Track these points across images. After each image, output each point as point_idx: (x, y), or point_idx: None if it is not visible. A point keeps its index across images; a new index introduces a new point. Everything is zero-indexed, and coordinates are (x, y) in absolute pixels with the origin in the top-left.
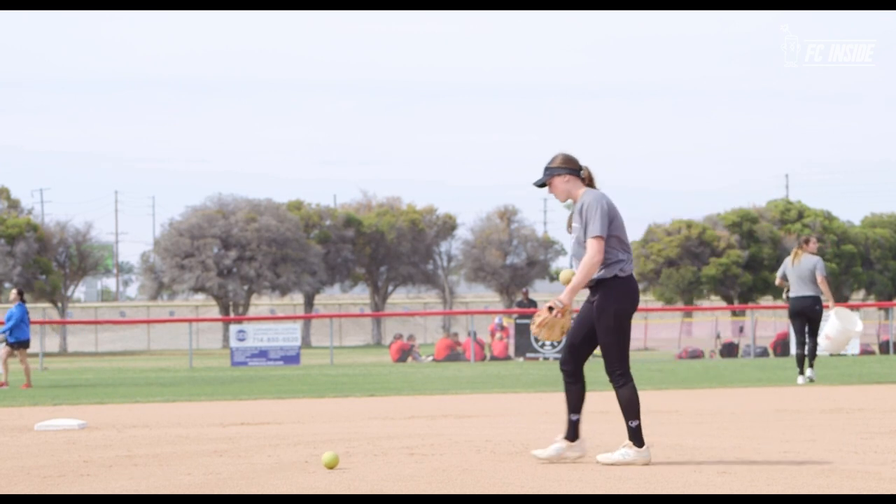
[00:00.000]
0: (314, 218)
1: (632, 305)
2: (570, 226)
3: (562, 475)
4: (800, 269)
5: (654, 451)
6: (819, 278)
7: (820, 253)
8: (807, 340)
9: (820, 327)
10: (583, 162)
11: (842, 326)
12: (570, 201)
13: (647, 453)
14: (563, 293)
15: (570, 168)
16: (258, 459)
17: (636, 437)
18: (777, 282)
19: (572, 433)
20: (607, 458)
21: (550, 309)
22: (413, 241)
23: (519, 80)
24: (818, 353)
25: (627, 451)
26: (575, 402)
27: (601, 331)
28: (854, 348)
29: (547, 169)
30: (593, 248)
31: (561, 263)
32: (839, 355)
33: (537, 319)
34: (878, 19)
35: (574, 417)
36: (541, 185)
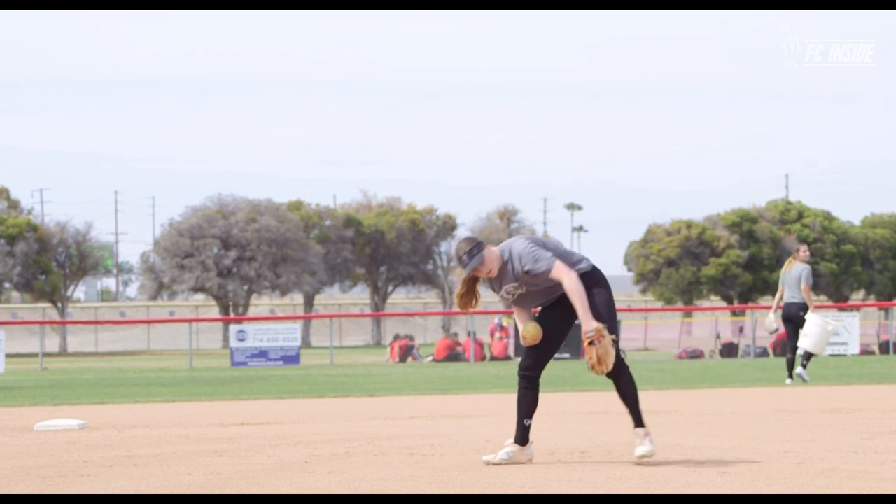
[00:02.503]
0: (314, 218)
1: (610, 289)
2: (503, 291)
3: (562, 475)
4: (789, 277)
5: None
6: (802, 286)
7: (819, 253)
8: (797, 345)
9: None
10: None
11: (819, 320)
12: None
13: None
14: (584, 320)
15: (482, 242)
16: (258, 459)
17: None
18: (780, 288)
19: (524, 437)
20: (647, 450)
21: (591, 343)
22: (413, 241)
23: (519, 80)
24: (798, 352)
25: (651, 438)
26: (530, 408)
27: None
28: (854, 348)
29: (472, 254)
30: (562, 270)
31: None
32: (838, 356)
33: (591, 360)
34: (878, 19)
35: (527, 422)
36: (475, 266)
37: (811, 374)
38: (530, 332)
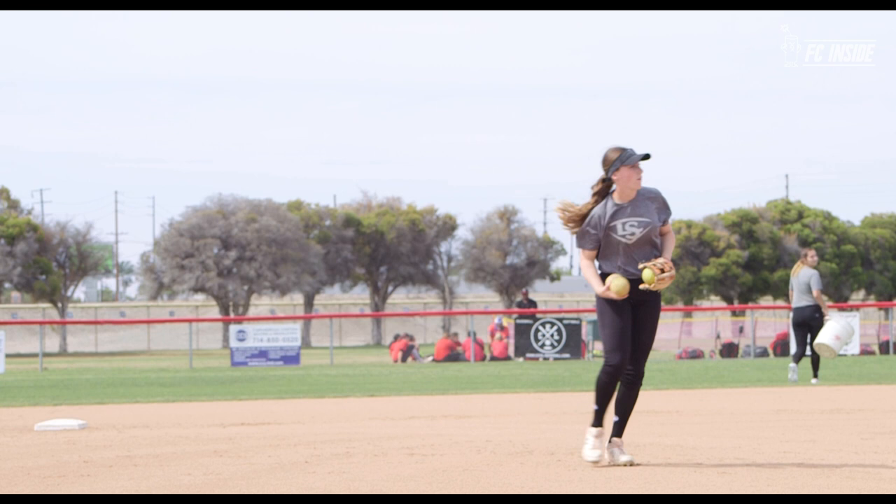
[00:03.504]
0: (314, 218)
1: None
2: (624, 223)
3: (562, 475)
4: (798, 282)
5: (654, 451)
6: (815, 292)
7: (820, 253)
8: (807, 349)
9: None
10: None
11: (845, 321)
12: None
13: None
14: (667, 256)
15: None
16: (258, 459)
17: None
18: (789, 293)
19: (601, 421)
20: (630, 458)
21: (674, 262)
22: (413, 242)
23: (519, 80)
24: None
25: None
26: (608, 399)
27: (653, 329)
28: (854, 348)
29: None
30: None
31: (560, 264)
32: (839, 356)
33: (659, 268)
34: (878, 19)
35: (616, 419)
36: (637, 161)
37: (807, 374)
38: (617, 286)
